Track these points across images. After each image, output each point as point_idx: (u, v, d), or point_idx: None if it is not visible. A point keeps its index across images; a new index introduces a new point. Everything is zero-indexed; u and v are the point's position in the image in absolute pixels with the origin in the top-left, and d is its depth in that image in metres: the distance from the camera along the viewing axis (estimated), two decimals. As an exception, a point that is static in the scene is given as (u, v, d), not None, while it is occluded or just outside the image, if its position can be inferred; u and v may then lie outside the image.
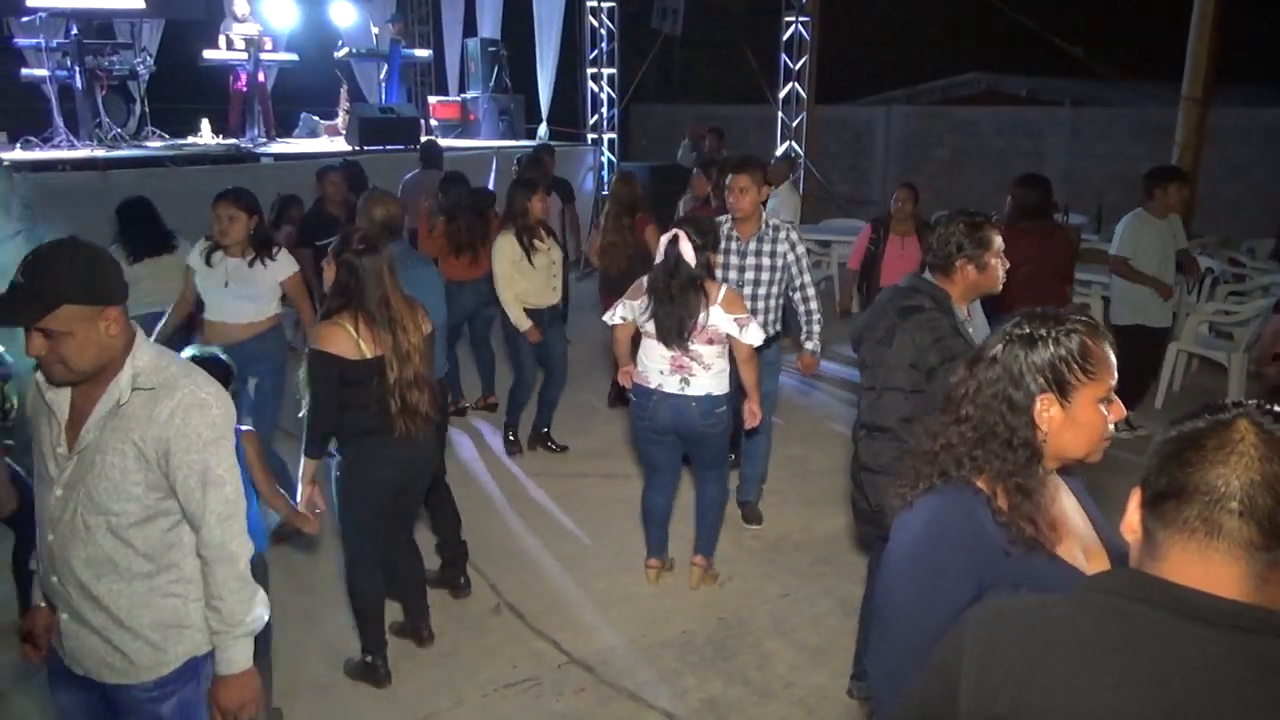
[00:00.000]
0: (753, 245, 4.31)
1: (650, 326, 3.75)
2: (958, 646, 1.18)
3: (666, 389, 3.79)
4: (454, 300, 4.98)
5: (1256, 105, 11.43)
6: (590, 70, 12.19)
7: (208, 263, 4.35)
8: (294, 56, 11.04)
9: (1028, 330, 1.56)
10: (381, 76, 12.09)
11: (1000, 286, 2.83)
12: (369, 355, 3.12)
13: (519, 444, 5.70)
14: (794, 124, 12.33)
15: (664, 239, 3.70)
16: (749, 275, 4.32)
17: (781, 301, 4.42)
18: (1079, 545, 1.60)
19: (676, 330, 3.69)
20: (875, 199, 13.87)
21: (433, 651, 3.66)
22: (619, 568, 4.31)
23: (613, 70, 12.20)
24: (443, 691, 3.43)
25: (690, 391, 3.78)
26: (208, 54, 10.27)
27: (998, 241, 2.76)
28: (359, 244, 3.16)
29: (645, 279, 3.81)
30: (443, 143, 11.20)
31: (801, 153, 12.23)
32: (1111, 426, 1.56)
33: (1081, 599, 1.11)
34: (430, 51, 13.23)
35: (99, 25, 10.02)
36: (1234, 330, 6.34)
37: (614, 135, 12.29)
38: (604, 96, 12.20)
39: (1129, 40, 11.51)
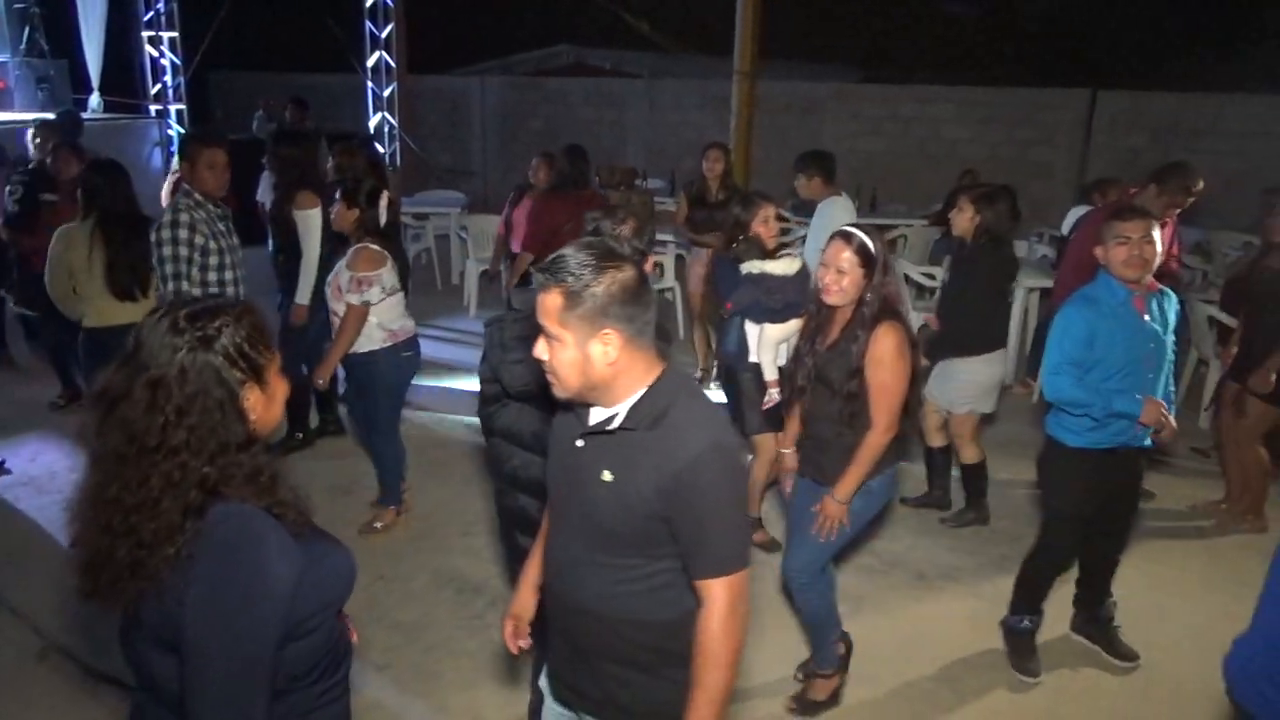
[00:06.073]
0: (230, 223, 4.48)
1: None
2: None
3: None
4: None
5: (796, 79, 13.10)
6: (147, 33, 10.89)
7: None
8: None
9: (198, 334, 1.50)
10: None
11: None
12: None
13: None
14: (385, 94, 12.00)
15: None
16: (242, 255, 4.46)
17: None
18: None
19: None
20: (475, 169, 13.98)
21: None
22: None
23: (174, 33, 11.00)
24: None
25: None
26: None
27: None
28: None
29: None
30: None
31: (395, 123, 11.95)
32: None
33: None
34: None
35: None
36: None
37: (182, 106, 11.12)
38: (166, 63, 10.98)
39: (689, 17, 12.61)
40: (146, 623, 1.52)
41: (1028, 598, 3.53)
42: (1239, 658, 2.03)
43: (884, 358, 2.84)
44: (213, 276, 4.19)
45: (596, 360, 1.71)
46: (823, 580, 3.20)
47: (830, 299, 2.91)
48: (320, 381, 4.19)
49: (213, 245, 4.18)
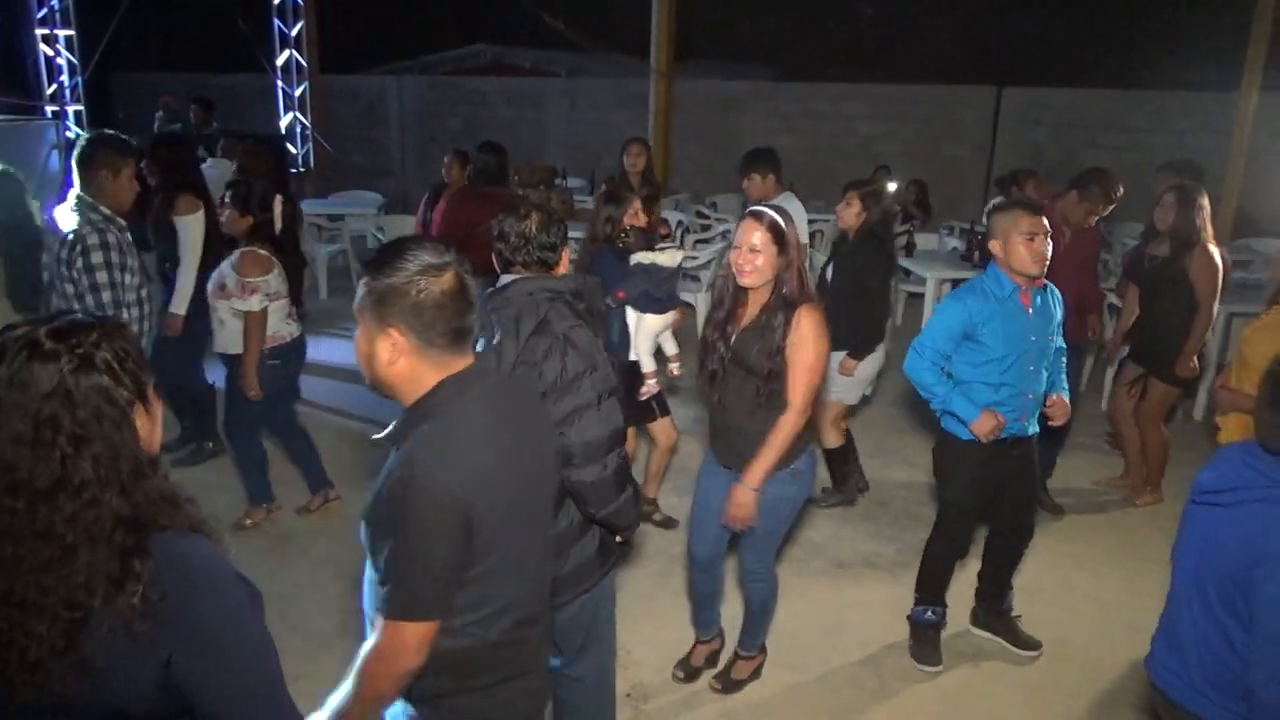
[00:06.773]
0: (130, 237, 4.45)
1: None
2: (454, 501, 1.59)
3: None
4: None
5: (713, 77, 13.21)
6: (41, 31, 10.45)
7: None
8: None
9: (77, 352, 1.30)
10: None
11: None
12: None
13: None
14: (297, 94, 11.71)
15: None
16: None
17: None
18: None
19: None
20: (394, 170, 13.75)
21: None
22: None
23: (70, 31, 10.58)
24: None
25: None
26: None
27: None
28: None
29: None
30: None
31: (307, 123, 11.68)
32: None
33: None
34: None
35: None
36: (700, 273, 7.31)
37: (80, 107, 10.70)
38: (63, 62, 10.54)
39: (607, 17, 12.63)
40: (102, 699, 1.31)
41: (930, 587, 3.60)
42: (1159, 654, 2.12)
43: (808, 337, 2.86)
44: (131, 297, 3.86)
45: (380, 358, 1.68)
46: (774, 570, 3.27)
47: (746, 280, 2.90)
48: (251, 393, 4.09)
49: (134, 265, 3.87)
